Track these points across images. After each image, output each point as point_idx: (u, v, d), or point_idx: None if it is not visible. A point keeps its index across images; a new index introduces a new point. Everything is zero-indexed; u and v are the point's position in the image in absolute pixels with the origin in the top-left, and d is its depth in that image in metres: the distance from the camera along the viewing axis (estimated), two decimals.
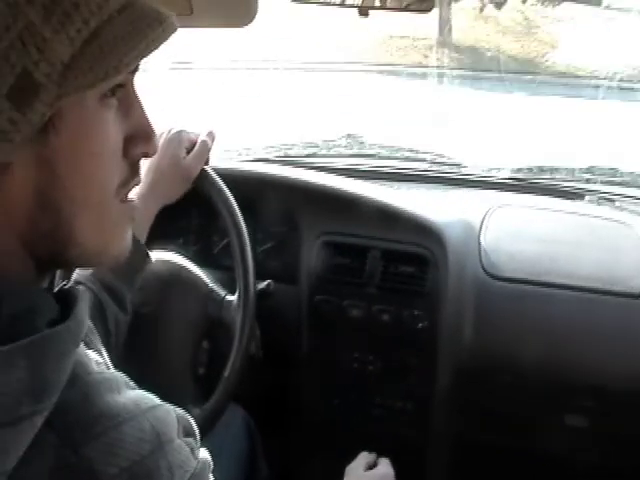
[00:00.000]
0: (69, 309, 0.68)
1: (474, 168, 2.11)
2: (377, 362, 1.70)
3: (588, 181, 2.02)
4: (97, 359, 0.75)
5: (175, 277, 1.52)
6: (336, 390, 1.76)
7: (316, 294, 1.71)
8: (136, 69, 0.72)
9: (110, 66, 0.65)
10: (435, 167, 2.14)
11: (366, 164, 2.14)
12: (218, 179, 1.52)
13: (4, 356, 0.61)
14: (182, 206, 1.51)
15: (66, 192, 0.67)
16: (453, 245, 1.65)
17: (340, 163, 2.11)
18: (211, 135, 1.56)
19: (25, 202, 0.66)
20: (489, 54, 6.99)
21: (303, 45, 6.60)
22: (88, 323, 0.74)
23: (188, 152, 1.51)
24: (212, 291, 1.52)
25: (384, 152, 2.21)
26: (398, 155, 2.21)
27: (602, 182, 2.01)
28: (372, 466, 1.46)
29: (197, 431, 0.75)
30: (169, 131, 1.52)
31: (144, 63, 0.71)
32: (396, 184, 2.03)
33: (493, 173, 2.08)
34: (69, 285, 0.74)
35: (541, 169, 2.08)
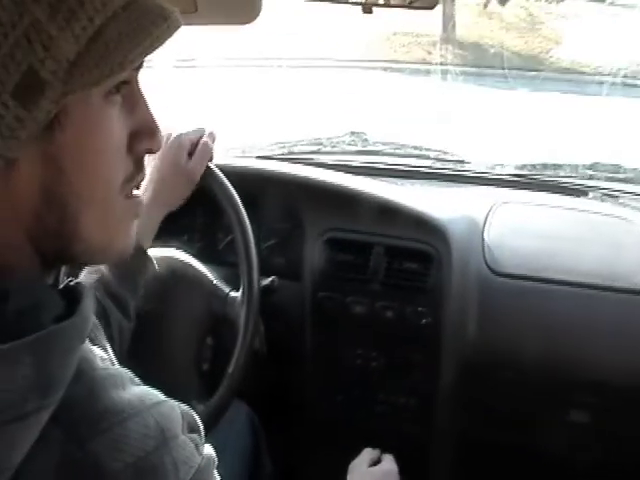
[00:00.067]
0: (74, 305, 0.69)
1: (478, 165, 2.11)
2: (380, 358, 1.70)
3: (591, 178, 2.02)
4: (102, 355, 0.75)
5: (179, 274, 1.53)
6: (339, 386, 1.76)
7: (320, 290, 1.71)
8: (140, 66, 0.72)
9: (115, 63, 0.65)
10: (439, 164, 2.14)
11: (370, 161, 2.14)
12: (222, 176, 1.52)
13: (10, 352, 0.61)
14: (186, 203, 1.51)
15: (72, 188, 0.68)
16: (457, 242, 1.65)
17: (344, 160, 2.11)
18: (212, 136, 1.54)
19: (31, 198, 0.67)
20: (493, 50, 6.97)
21: (307, 42, 6.60)
22: (93, 319, 0.75)
23: (191, 153, 1.50)
24: (216, 287, 1.52)
25: (388, 149, 2.21)
26: (402, 152, 2.21)
27: (605, 179, 2.01)
28: (376, 462, 1.47)
29: (201, 427, 0.75)
30: (168, 137, 1.50)
31: (148, 60, 0.71)
32: (400, 181, 2.03)
33: (497, 170, 2.08)
34: (74, 281, 0.74)
35: (545, 166, 2.08)
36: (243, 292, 1.47)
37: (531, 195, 1.93)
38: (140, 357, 1.19)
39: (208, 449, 0.75)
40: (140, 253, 1.36)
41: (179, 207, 1.50)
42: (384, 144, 2.23)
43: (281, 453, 1.75)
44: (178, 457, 0.68)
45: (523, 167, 2.07)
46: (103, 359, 0.73)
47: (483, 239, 1.70)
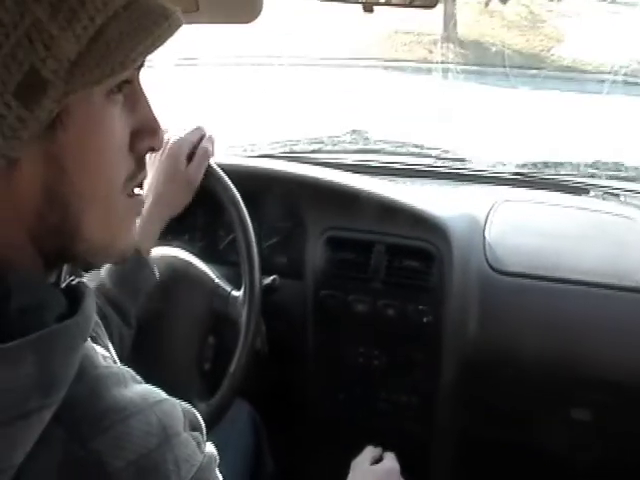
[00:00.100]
0: (77, 304, 0.69)
1: (479, 163, 2.11)
2: (382, 357, 1.70)
3: (593, 176, 2.02)
4: (104, 354, 0.76)
5: (181, 273, 1.53)
6: (341, 385, 1.76)
7: (321, 289, 1.71)
8: (142, 65, 0.72)
9: (116, 62, 0.65)
10: (440, 162, 2.14)
11: (371, 160, 2.14)
12: (223, 175, 1.52)
13: (13, 351, 0.62)
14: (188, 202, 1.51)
15: (74, 187, 0.68)
16: (458, 240, 1.65)
17: (345, 159, 2.11)
18: (210, 139, 1.52)
19: (33, 197, 0.67)
20: (494, 49, 6.97)
21: (308, 41, 6.60)
22: (95, 318, 0.75)
23: (190, 156, 1.49)
24: (218, 287, 1.52)
25: (389, 148, 2.21)
26: (403, 151, 2.21)
27: (607, 177, 2.01)
28: (378, 460, 1.47)
29: (203, 425, 0.75)
30: (167, 142, 1.48)
31: (150, 59, 0.71)
32: (401, 179, 2.03)
33: (498, 168, 2.08)
34: (76, 280, 0.74)
35: (546, 164, 2.08)
36: (245, 291, 1.47)
37: (532, 193, 1.93)
38: (142, 356, 1.19)
39: (210, 447, 0.75)
40: (141, 261, 1.35)
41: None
42: (385, 143, 2.23)
43: (283, 452, 1.75)
44: (180, 455, 0.68)
45: (524, 165, 2.07)
46: (105, 358, 0.73)
47: (484, 237, 1.70)
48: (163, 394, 0.72)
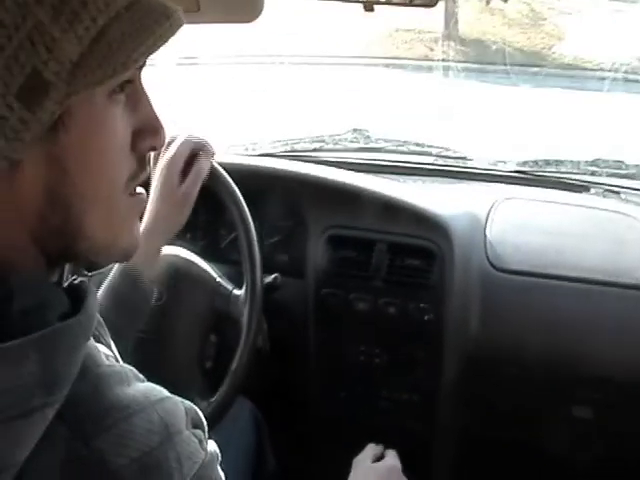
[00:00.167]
0: (79, 303, 0.69)
1: (480, 161, 2.11)
2: (383, 355, 1.70)
3: (593, 174, 2.02)
4: (107, 352, 0.76)
5: (183, 272, 1.53)
6: (343, 383, 1.76)
7: (323, 287, 1.71)
8: (144, 64, 0.72)
9: (118, 63, 0.65)
10: (441, 160, 2.14)
11: (372, 158, 2.14)
12: (225, 174, 1.52)
13: (15, 350, 0.62)
14: None
15: (76, 188, 0.68)
16: (459, 238, 1.65)
17: (346, 157, 2.11)
18: (206, 152, 1.48)
19: (35, 199, 0.67)
20: (495, 47, 6.96)
21: (309, 39, 6.59)
22: (98, 317, 0.75)
23: (185, 170, 1.45)
24: (219, 285, 1.52)
25: (390, 146, 2.21)
26: (404, 149, 2.21)
27: (607, 175, 2.01)
28: (379, 458, 1.47)
29: (205, 423, 0.76)
30: (159, 164, 1.45)
31: (151, 58, 0.71)
32: (402, 178, 2.03)
33: (499, 166, 2.08)
34: (79, 279, 0.75)
35: (546, 162, 2.08)
36: (246, 290, 1.48)
37: (533, 191, 1.93)
38: (144, 354, 1.20)
39: (212, 445, 0.75)
40: (138, 281, 1.34)
41: None
42: (386, 141, 2.23)
43: (284, 450, 1.76)
44: (182, 452, 0.68)
45: (525, 163, 2.07)
46: (108, 356, 0.74)
47: (485, 235, 1.70)
48: (165, 392, 0.72)
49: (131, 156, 0.72)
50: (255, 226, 1.50)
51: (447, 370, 1.65)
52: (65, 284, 0.74)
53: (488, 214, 1.75)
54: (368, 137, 2.24)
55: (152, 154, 1.25)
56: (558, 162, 2.08)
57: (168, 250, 1.51)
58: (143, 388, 0.70)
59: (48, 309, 0.67)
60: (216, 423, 1.41)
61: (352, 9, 1.21)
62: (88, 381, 0.66)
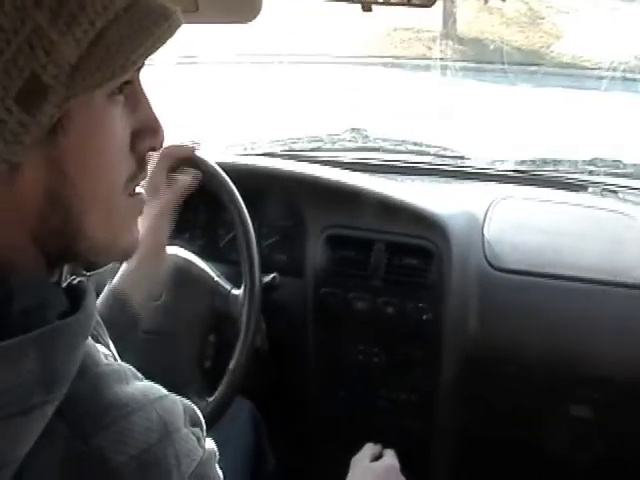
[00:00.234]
0: (78, 303, 0.69)
1: (477, 160, 2.11)
2: (382, 354, 1.70)
3: (591, 173, 2.02)
4: (105, 352, 0.76)
5: (181, 271, 1.53)
6: (341, 383, 1.76)
7: (321, 287, 1.72)
8: (142, 65, 0.72)
9: (117, 66, 0.65)
10: (439, 160, 2.14)
11: (370, 158, 2.14)
12: (223, 174, 1.53)
13: (14, 348, 0.62)
14: (188, 201, 1.51)
15: (75, 190, 0.68)
16: (457, 237, 1.65)
17: (345, 157, 2.12)
18: (192, 161, 1.46)
19: (35, 201, 0.67)
20: (493, 46, 6.96)
21: (307, 39, 6.59)
22: (96, 317, 0.75)
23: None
24: (218, 285, 1.53)
25: (388, 145, 2.22)
26: (402, 148, 2.21)
27: (605, 174, 2.01)
28: (377, 457, 1.47)
29: (203, 421, 0.76)
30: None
31: (150, 58, 0.71)
32: (400, 177, 2.04)
33: (497, 165, 2.08)
34: (77, 280, 0.75)
35: (544, 161, 2.08)
36: (245, 289, 1.48)
37: (531, 190, 1.93)
38: (143, 354, 1.20)
39: (210, 443, 0.76)
40: (126, 306, 1.32)
41: (181, 204, 1.50)
42: (384, 140, 2.23)
43: (283, 449, 1.76)
44: (181, 450, 0.68)
45: (523, 163, 2.07)
46: (106, 356, 0.74)
47: (483, 235, 1.70)
48: (164, 391, 0.72)
49: (130, 157, 0.72)
50: (254, 226, 1.51)
51: (445, 369, 1.65)
52: (64, 284, 0.75)
53: (486, 213, 1.75)
54: (366, 136, 2.25)
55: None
56: (556, 161, 2.08)
57: (167, 250, 1.52)
58: (142, 387, 0.71)
59: (48, 309, 0.67)
60: (215, 422, 1.41)
61: (350, 9, 1.21)
62: (87, 380, 0.67)
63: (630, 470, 1.66)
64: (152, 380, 0.74)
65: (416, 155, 2.18)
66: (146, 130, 0.73)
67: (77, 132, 0.66)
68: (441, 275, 1.64)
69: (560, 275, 1.62)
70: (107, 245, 0.73)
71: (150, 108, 0.74)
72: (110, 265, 1.32)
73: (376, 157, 2.15)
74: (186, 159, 1.49)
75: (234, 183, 1.52)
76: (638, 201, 1.86)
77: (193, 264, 1.55)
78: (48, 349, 0.63)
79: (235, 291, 1.50)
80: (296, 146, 2.17)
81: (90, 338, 0.70)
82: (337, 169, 1.87)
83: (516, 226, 1.74)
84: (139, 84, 0.73)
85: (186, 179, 1.48)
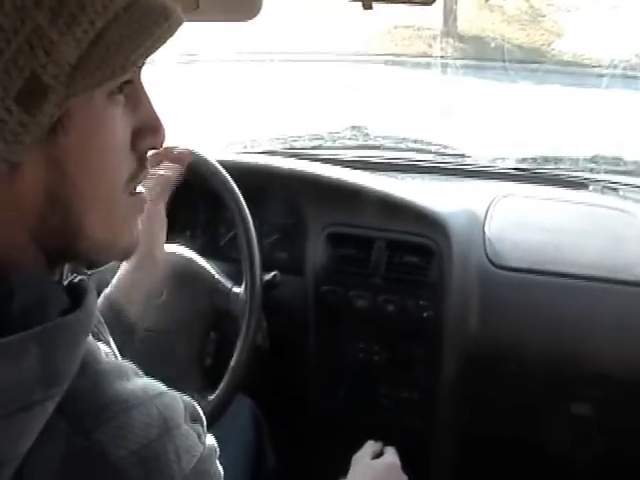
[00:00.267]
0: (79, 301, 0.69)
1: (478, 158, 2.11)
2: (383, 352, 1.71)
3: (592, 170, 2.02)
4: (106, 350, 0.76)
5: (182, 270, 1.54)
6: (342, 380, 1.77)
7: (322, 285, 1.72)
8: (143, 64, 0.72)
9: (117, 65, 0.65)
10: (439, 158, 2.14)
11: (371, 156, 2.14)
12: (224, 172, 1.53)
13: (17, 344, 0.62)
14: (188, 199, 1.51)
15: (76, 189, 0.68)
16: (457, 235, 1.65)
17: (345, 155, 2.12)
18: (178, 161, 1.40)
19: (35, 200, 0.67)
20: (494, 43, 6.96)
21: (308, 37, 6.59)
22: (97, 315, 0.75)
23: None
24: (219, 283, 1.53)
25: (389, 143, 2.22)
26: (403, 146, 2.22)
27: (606, 171, 2.01)
28: (378, 455, 1.47)
29: (203, 417, 0.76)
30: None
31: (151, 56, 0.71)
32: (400, 175, 2.04)
33: (497, 163, 2.08)
34: (78, 278, 0.75)
35: (545, 159, 2.08)
36: (246, 287, 1.48)
37: (532, 188, 1.93)
38: (144, 352, 1.20)
39: (210, 439, 0.76)
40: (121, 316, 1.28)
41: (181, 202, 1.49)
42: (385, 138, 2.23)
43: (284, 447, 1.76)
44: (181, 445, 0.69)
45: (524, 160, 2.07)
46: (107, 354, 0.74)
47: (484, 232, 1.70)
48: (164, 387, 0.73)
49: (131, 156, 0.72)
50: (254, 224, 1.51)
51: (446, 367, 1.66)
52: (65, 282, 0.75)
53: (487, 211, 1.75)
54: (367, 134, 2.25)
55: None
56: (557, 159, 2.08)
57: (168, 248, 1.52)
58: (142, 383, 0.71)
59: (48, 306, 0.67)
60: (216, 420, 1.42)
61: (351, 7, 1.21)
62: (88, 377, 0.67)
63: (630, 468, 1.66)
64: (153, 378, 0.74)
65: (417, 153, 2.18)
66: (147, 129, 0.73)
67: (77, 131, 0.66)
68: (442, 273, 1.64)
69: (561, 273, 1.62)
70: (108, 244, 0.73)
71: (151, 107, 0.74)
72: (112, 263, 1.34)
73: (377, 155, 2.15)
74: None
75: (235, 181, 1.52)
76: (639, 198, 1.86)
77: (194, 262, 1.55)
78: (49, 346, 0.63)
79: (236, 289, 1.51)
80: (297, 144, 2.18)
81: (91, 336, 0.70)
82: (338, 167, 1.87)
83: (517, 224, 1.74)
84: (140, 83, 0.73)
85: (169, 174, 1.41)
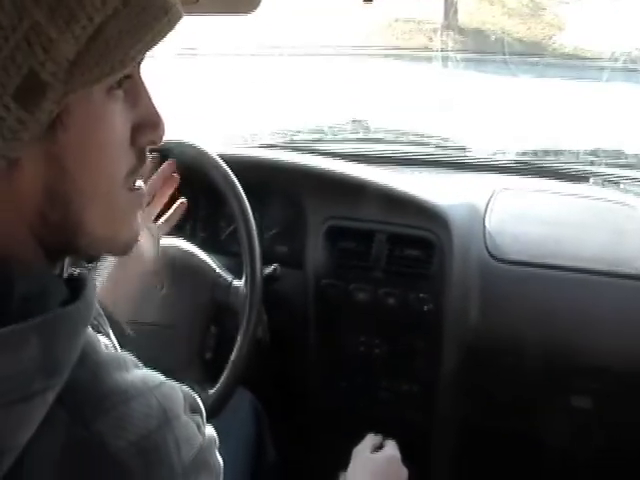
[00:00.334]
0: (78, 292, 0.70)
1: (479, 151, 2.11)
2: (383, 345, 1.71)
3: (592, 163, 2.02)
4: (106, 342, 0.76)
5: (183, 263, 1.54)
6: (342, 374, 1.77)
7: (322, 278, 1.72)
8: (142, 59, 0.72)
9: (116, 61, 0.65)
10: (440, 151, 2.14)
11: (372, 149, 2.14)
12: (224, 165, 1.53)
13: (17, 334, 0.62)
14: (189, 193, 1.51)
15: (75, 185, 0.68)
16: (458, 228, 1.65)
17: (346, 148, 2.12)
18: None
19: (34, 196, 0.67)
20: (495, 37, 6.94)
21: (308, 30, 6.58)
22: (97, 306, 0.76)
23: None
24: (219, 277, 1.53)
25: (389, 137, 2.22)
26: (403, 139, 2.21)
27: (606, 164, 2.01)
28: (379, 448, 1.47)
29: (203, 408, 0.76)
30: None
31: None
32: (401, 168, 2.04)
33: (498, 156, 2.08)
34: (78, 271, 0.75)
35: (546, 152, 2.08)
36: (246, 281, 1.48)
37: (532, 181, 1.93)
38: (144, 345, 1.20)
39: (210, 430, 0.76)
40: (113, 320, 1.30)
41: (182, 196, 1.50)
42: (386, 132, 2.23)
43: (284, 440, 1.76)
44: (180, 436, 0.69)
45: (524, 153, 2.07)
46: (107, 346, 0.74)
47: (484, 226, 1.70)
48: (163, 378, 0.73)
49: (130, 151, 0.72)
50: (255, 217, 1.51)
51: (447, 360, 1.66)
52: (65, 275, 0.75)
53: (487, 204, 1.75)
54: (367, 128, 2.25)
55: None
56: (557, 152, 2.08)
57: (168, 242, 1.52)
58: (141, 374, 0.71)
59: (48, 297, 0.67)
60: (216, 414, 1.42)
61: (351, 0, 1.21)
62: (87, 367, 0.67)
63: (630, 460, 1.67)
64: (153, 371, 0.74)
65: (417, 146, 2.18)
66: (146, 124, 0.73)
67: (76, 127, 0.66)
68: (442, 266, 1.64)
69: (561, 266, 1.62)
70: (107, 240, 0.73)
71: (150, 102, 0.74)
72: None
73: (377, 148, 2.15)
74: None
75: (235, 175, 1.52)
76: (639, 191, 1.86)
77: (194, 256, 1.55)
78: (49, 336, 0.64)
79: (236, 282, 1.51)
80: (297, 138, 2.17)
81: (91, 328, 0.70)
82: (338, 160, 1.87)
83: (517, 217, 1.74)
84: (139, 78, 0.73)
85: (163, 170, 1.44)
